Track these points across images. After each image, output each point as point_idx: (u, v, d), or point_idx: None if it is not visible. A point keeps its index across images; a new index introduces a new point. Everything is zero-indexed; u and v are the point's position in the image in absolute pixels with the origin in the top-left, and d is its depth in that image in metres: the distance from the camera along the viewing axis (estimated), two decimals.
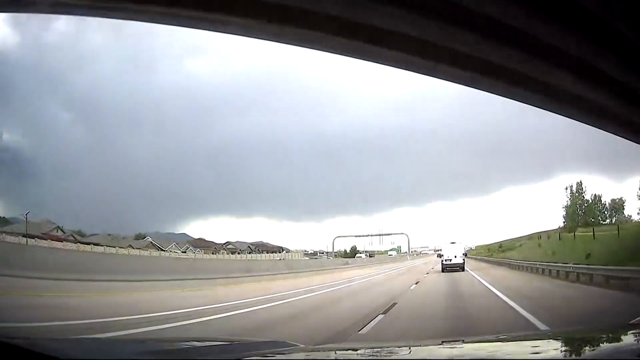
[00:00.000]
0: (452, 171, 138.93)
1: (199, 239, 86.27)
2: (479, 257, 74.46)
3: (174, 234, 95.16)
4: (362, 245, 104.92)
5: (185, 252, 67.76)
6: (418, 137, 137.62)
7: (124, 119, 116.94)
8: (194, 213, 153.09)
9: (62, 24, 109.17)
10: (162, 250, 64.16)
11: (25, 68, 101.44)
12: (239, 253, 79.28)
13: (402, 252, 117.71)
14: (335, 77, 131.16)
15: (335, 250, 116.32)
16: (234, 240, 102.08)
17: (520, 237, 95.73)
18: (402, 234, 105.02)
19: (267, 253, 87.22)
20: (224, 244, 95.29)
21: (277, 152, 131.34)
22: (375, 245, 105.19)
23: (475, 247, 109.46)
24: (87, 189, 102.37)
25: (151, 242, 69.91)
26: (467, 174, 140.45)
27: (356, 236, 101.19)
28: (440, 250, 44.13)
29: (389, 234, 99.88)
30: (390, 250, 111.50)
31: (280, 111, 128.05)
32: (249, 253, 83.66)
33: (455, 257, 35.40)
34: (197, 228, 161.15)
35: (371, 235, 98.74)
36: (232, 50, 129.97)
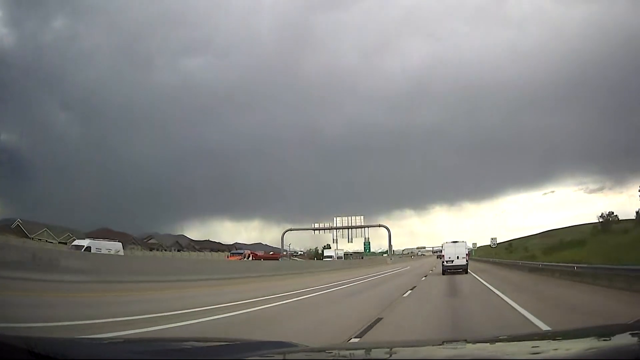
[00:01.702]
0: (453, 172, 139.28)
1: (104, 229, 73.33)
2: (502, 261, 48.04)
3: (172, 235, 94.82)
4: (340, 242, 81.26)
5: (66, 243, 54.29)
6: (418, 138, 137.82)
7: (121, 118, 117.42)
8: (193, 215, 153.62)
9: (60, 24, 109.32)
10: (27, 237, 53.71)
11: (23, 68, 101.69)
12: (164, 250, 67.31)
13: (372, 251, 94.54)
14: (334, 74, 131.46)
15: (302, 250, 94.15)
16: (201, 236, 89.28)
17: (531, 235, 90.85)
18: (379, 226, 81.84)
19: (213, 252, 75.77)
20: (146, 238, 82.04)
21: (277, 153, 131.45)
22: (343, 243, 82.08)
23: (497, 244, 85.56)
24: (84, 188, 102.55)
25: (18, 226, 58.36)
26: (469, 175, 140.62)
27: (314, 230, 78.71)
28: (441, 250, 38.68)
29: (361, 227, 77.56)
30: (329, 252, 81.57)
31: (278, 109, 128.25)
32: (178, 251, 72.14)
33: (458, 257, 31.72)
34: (196, 230, 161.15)
35: (335, 229, 77.68)
36: (230, 48, 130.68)
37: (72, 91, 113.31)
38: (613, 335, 2.53)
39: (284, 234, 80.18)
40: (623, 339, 2.34)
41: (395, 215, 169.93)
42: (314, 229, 79.93)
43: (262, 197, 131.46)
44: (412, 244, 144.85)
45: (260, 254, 62.95)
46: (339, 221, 79.75)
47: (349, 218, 79.56)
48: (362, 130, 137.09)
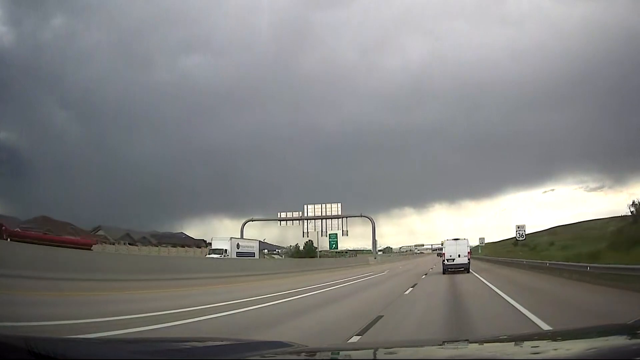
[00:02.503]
0: (453, 170, 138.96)
1: (42, 217, 63.30)
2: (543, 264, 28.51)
3: (172, 232, 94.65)
4: (320, 237, 66.43)
5: None
6: (417, 136, 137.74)
7: (120, 117, 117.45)
8: (192, 213, 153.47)
9: (59, 22, 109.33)
10: None
11: (22, 66, 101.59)
12: (111, 243, 56.28)
13: (359, 249, 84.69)
14: (333, 72, 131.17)
15: (281, 247, 77.63)
16: (150, 230, 72.45)
17: (539, 231, 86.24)
18: (361, 216, 66.40)
19: (173, 247, 65.25)
20: (94, 229, 68.68)
21: (276, 151, 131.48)
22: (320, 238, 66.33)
23: (525, 235, 63.87)
24: (82, 186, 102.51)
25: None
26: (469, 173, 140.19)
27: (279, 220, 64.64)
28: (441, 248, 36.74)
29: (337, 217, 62.45)
30: (219, 243, 48.77)
31: (277, 108, 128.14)
32: (128, 244, 59.37)
33: (459, 256, 30.07)
34: (197, 228, 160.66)
35: (306, 219, 63.17)
36: (229, 46, 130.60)
37: (71, 90, 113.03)
38: (613, 335, 2.54)
39: (243, 225, 66.62)
40: (623, 339, 2.35)
41: (394, 213, 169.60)
42: (280, 219, 65.47)
43: (261, 195, 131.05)
44: (412, 243, 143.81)
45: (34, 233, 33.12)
46: (310, 210, 64.43)
47: (323, 206, 63.72)
48: (361, 129, 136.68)
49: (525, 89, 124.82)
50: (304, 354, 2.53)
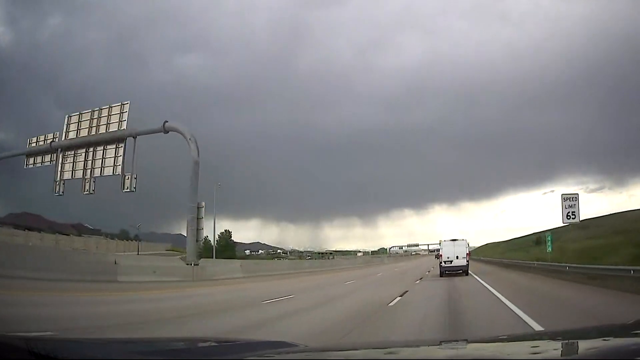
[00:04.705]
0: (453, 172, 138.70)
1: None
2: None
3: (170, 234, 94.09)
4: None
5: None
6: (416, 136, 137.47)
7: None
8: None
9: (56, 21, 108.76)
10: None
11: (19, 65, 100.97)
12: None
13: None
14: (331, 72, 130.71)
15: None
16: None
17: (562, 227, 78.48)
18: (164, 131, 30.42)
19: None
20: None
21: (275, 151, 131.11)
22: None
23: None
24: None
25: None
26: (468, 175, 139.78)
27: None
28: (439, 249, 34.94)
29: (114, 141, 29.42)
30: None
31: (276, 108, 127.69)
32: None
33: (457, 257, 29.26)
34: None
35: (55, 152, 30.85)
36: (226, 45, 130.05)
37: (68, 88, 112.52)
38: (613, 335, 2.54)
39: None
40: (623, 339, 2.35)
41: (394, 215, 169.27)
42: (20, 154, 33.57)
43: (260, 196, 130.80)
44: (407, 241, 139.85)
45: None
46: (73, 129, 31.03)
47: (96, 113, 30.59)
48: (360, 128, 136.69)
49: (524, 88, 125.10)
50: (304, 353, 2.53)
